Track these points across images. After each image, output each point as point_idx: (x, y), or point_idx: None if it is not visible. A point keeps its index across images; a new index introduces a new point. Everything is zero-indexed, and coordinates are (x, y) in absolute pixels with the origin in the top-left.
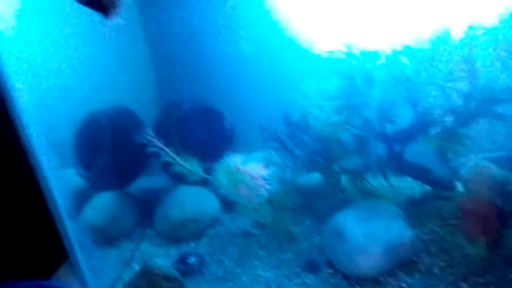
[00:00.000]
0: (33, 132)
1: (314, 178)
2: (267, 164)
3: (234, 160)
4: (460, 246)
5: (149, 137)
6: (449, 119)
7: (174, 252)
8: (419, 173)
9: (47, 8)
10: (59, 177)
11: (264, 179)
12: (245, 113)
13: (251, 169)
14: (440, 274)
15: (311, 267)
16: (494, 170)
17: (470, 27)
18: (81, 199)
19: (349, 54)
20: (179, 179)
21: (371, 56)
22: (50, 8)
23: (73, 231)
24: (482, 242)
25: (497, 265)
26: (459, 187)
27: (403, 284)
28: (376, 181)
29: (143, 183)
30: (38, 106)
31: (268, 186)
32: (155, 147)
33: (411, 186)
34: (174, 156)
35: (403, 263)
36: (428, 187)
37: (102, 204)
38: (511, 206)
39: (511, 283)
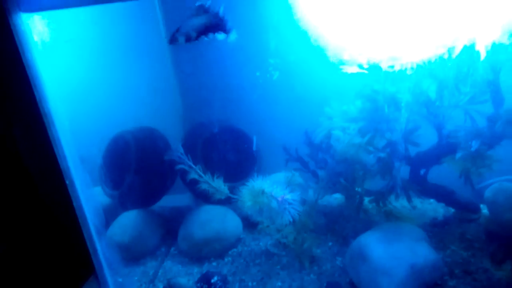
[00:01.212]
0: (68, 151)
1: (337, 199)
2: (290, 185)
3: (260, 183)
4: (485, 269)
5: (180, 155)
6: (473, 142)
7: (196, 270)
8: (443, 195)
9: (82, 30)
10: (90, 195)
11: (289, 203)
12: (269, 134)
13: (276, 193)
14: None
15: None
16: None
17: (494, 50)
18: (107, 217)
19: (373, 75)
20: (204, 197)
21: (395, 78)
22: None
23: (101, 248)
24: (508, 265)
25: None
26: (484, 209)
27: None
28: (399, 203)
29: (167, 201)
30: (74, 127)
31: (292, 210)
32: (185, 164)
33: (434, 208)
34: (201, 174)
35: (427, 286)
36: (452, 209)
37: (128, 222)
38: None
39: None
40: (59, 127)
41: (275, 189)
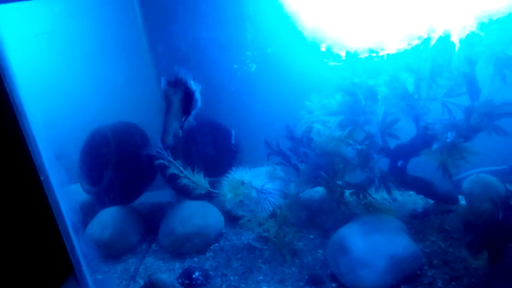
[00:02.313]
0: (42, 147)
1: (318, 192)
2: (271, 178)
3: (239, 174)
4: (463, 259)
5: (159, 150)
6: (450, 134)
7: (178, 266)
8: (422, 187)
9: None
10: (66, 192)
11: (268, 193)
12: (250, 128)
13: (256, 184)
14: (443, 287)
15: (315, 281)
16: (496, 183)
17: (469, 42)
18: (86, 214)
19: (352, 68)
20: (185, 193)
21: (373, 71)
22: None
23: (79, 245)
24: (484, 255)
25: (499, 278)
26: (462, 200)
27: None
28: (379, 196)
29: (147, 197)
30: (47, 122)
31: (272, 199)
32: (164, 159)
33: (414, 200)
34: (181, 169)
35: (406, 276)
36: (431, 201)
37: (108, 219)
38: None
39: None
40: (32, 122)
41: (255, 180)
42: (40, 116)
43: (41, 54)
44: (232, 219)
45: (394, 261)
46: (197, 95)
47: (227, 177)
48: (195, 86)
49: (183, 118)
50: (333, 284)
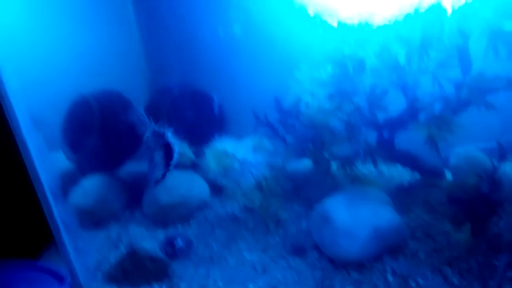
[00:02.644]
0: (20, 114)
1: (305, 164)
2: (257, 149)
3: (223, 144)
4: (446, 232)
5: (140, 116)
6: (439, 107)
7: (162, 235)
8: (409, 160)
9: None
10: (46, 159)
11: (251, 164)
12: (238, 98)
13: (239, 154)
14: (425, 259)
15: (298, 250)
16: (482, 158)
17: (463, 14)
18: (70, 181)
19: (343, 39)
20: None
21: (364, 43)
22: None
23: (59, 213)
24: (467, 228)
25: (481, 252)
26: (448, 175)
27: (388, 269)
28: (367, 169)
29: (134, 167)
30: (27, 88)
31: (255, 171)
32: (146, 126)
33: (401, 175)
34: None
35: (389, 248)
36: (417, 175)
37: (90, 186)
38: (497, 194)
39: (494, 269)
40: (7, 84)
41: (238, 150)
42: (16, 79)
43: (19, 12)
44: (217, 189)
45: (376, 233)
46: (176, 148)
47: (210, 146)
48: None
49: (164, 172)
50: (316, 254)
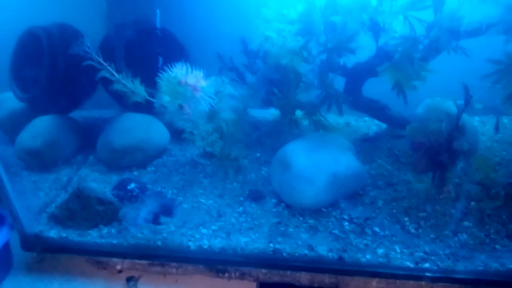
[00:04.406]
0: None
1: (272, 114)
2: (218, 88)
3: (175, 73)
4: (407, 182)
5: (86, 48)
6: (409, 50)
7: (115, 179)
8: (375, 110)
9: None
10: None
11: (204, 91)
12: (203, 39)
13: (191, 80)
14: (383, 207)
15: (255, 196)
16: (450, 106)
17: None
18: (20, 122)
19: None
20: (119, 99)
21: None
22: None
23: None
24: (428, 177)
25: (440, 200)
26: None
27: (345, 216)
28: (334, 121)
29: (91, 112)
30: None
31: (208, 99)
32: (93, 60)
33: (368, 126)
34: (114, 72)
35: (348, 195)
36: (384, 126)
37: (41, 127)
38: (459, 140)
39: (451, 218)
40: None
41: (190, 77)
42: None
43: None
44: (178, 136)
45: (335, 179)
46: None
47: (163, 75)
48: None
49: None
50: (273, 200)
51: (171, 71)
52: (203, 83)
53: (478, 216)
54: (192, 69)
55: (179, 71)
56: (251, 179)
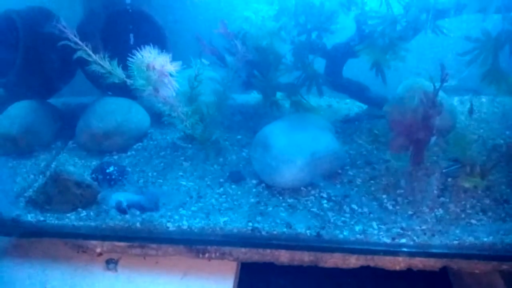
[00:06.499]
0: None
1: (255, 98)
2: (198, 73)
3: (145, 57)
4: (386, 160)
5: (61, 28)
6: (388, 30)
7: (95, 163)
8: (356, 91)
9: None
10: None
11: (172, 75)
12: (182, 22)
13: (158, 65)
14: (362, 185)
15: (235, 177)
16: (428, 85)
17: None
18: None
19: None
20: (96, 81)
21: None
22: None
23: None
24: (406, 156)
25: (417, 178)
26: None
27: (323, 195)
28: (316, 103)
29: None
30: None
31: (175, 84)
32: (68, 40)
33: (349, 108)
34: (90, 53)
35: (326, 174)
36: (365, 108)
37: (18, 112)
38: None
39: (427, 194)
40: None
41: (157, 61)
42: None
43: None
44: (159, 120)
45: (314, 158)
46: None
47: (133, 59)
48: None
49: None
50: (254, 181)
51: (141, 55)
52: (170, 67)
53: (454, 192)
54: (163, 52)
55: (148, 55)
56: (232, 161)
